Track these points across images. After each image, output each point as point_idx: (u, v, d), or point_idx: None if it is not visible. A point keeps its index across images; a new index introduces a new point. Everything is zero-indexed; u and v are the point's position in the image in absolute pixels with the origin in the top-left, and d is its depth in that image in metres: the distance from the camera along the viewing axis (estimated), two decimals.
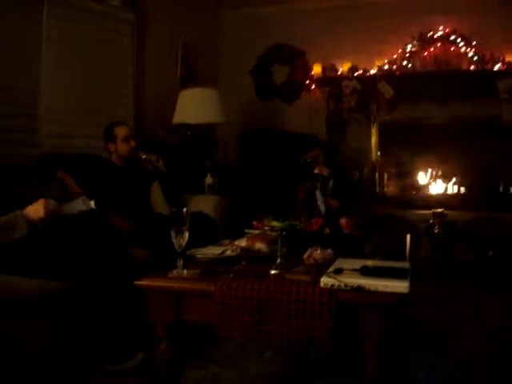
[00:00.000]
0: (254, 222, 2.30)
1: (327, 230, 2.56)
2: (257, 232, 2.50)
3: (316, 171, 2.88)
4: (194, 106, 4.74)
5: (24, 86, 3.87)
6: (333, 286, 1.85)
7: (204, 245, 2.51)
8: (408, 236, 3.08)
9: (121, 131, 3.64)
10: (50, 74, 4.05)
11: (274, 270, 2.09)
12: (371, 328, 1.84)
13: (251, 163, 5.69)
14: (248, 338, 1.98)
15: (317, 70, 5.96)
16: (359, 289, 1.82)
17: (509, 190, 5.36)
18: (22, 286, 2.33)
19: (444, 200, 5.63)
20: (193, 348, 2.77)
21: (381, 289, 1.81)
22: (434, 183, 5.87)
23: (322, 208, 2.69)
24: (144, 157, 3.63)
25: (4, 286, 2.26)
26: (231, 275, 2.03)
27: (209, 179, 4.61)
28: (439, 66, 5.52)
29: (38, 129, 3.97)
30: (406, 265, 2.11)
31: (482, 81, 5.29)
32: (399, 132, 5.80)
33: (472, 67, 5.39)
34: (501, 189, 5.39)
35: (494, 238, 4.91)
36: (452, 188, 5.77)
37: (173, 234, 2.06)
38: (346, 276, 1.89)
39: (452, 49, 5.52)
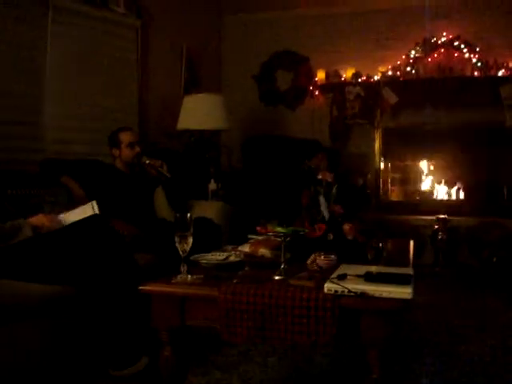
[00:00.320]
0: (258, 228, 2.31)
1: (331, 236, 2.56)
2: (260, 237, 2.50)
3: (319, 177, 2.88)
4: (198, 112, 4.75)
5: (28, 92, 3.89)
6: (336, 291, 1.85)
7: (208, 250, 2.52)
8: (411, 242, 3.09)
9: (125, 137, 3.65)
10: (54, 81, 4.07)
11: (277, 275, 2.09)
12: (375, 334, 1.84)
13: (255, 169, 5.69)
14: (251, 343, 1.99)
15: (320, 75, 5.98)
16: (363, 295, 1.82)
17: None
18: (25, 291, 2.33)
19: (447, 206, 5.63)
20: (196, 353, 2.77)
21: (384, 295, 1.81)
22: (437, 189, 5.87)
23: (326, 214, 2.69)
24: (148, 162, 3.64)
25: (7, 290, 2.26)
26: (235, 281, 2.03)
27: (212, 185, 4.62)
28: (443, 72, 5.52)
29: (42, 135, 3.98)
30: (409, 271, 2.10)
31: (486, 87, 5.30)
32: (403, 138, 5.80)
33: (475, 73, 5.40)
34: (504, 194, 5.39)
35: (497, 243, 4.90)
36: (455, 194, 5.77)
37: (177, 239, 2.07)
38: (350, 282, 1.89)
39: (456, 55, 5.53)
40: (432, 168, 5.92)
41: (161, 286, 2.07)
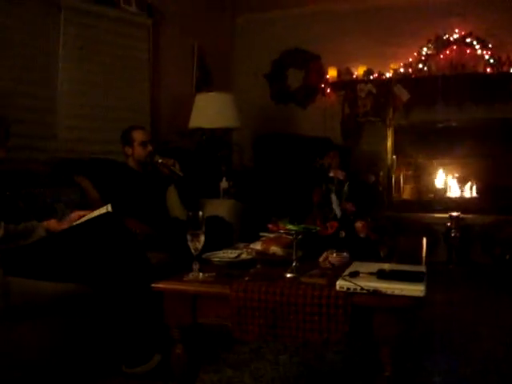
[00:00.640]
0: (270, 226, 2.31)
1: (343, 234, 2.55)
2: (272, 235, 2.50)
3: (331, 174, 2.87)
4: (210, 111, 4.76)
5: (41, 92, 3.91)
6: (348, 289, 1.84)
7: (219, 248, 2.52)
8: (424, 239, 3.07)
9: (138, 135, 3.67)
10: (67, 81, 4.09)
11: (289, 273, 2.09)
12: (387, 332, 1.83)
13: (266, 167, 5.69)
14: (263, 340, 1.99)
15: (332, 73, 5.97)
16: (375, 292, 1.81)
17: None
18: (38, 289, 2.35)
19: (460, 203, 5.60)
20: (208, 351, 2.78)
21: (397, 292, 1.80)
22: (450, 186, 5.84)
23: (338, 211, 2.68)
24: (160, 161, 3.66)
25: (20, 288, 2.28)
26: (246, 278, 2.03)
27: (224, 183, 4.63)
28: (455, 69, 5.49)
29: (55, 134, 4.01)
30: (422, 268, 2.09)
31: (499, 83, 5.26)
32: (415, 135, 5.78)
33: (488, 70, 5.36)
34: None
35: (510, 241, 4.86)
36: (468, 191, 5.74)
37: (189, 237, 2.07)
38: (362, 279, 1.89)
39: (468, 51, 5.49)
40: (444, 165, 5.89)
41: (173, 284, 2.08)
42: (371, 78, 5.75)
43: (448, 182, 5.86)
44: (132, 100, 4.72)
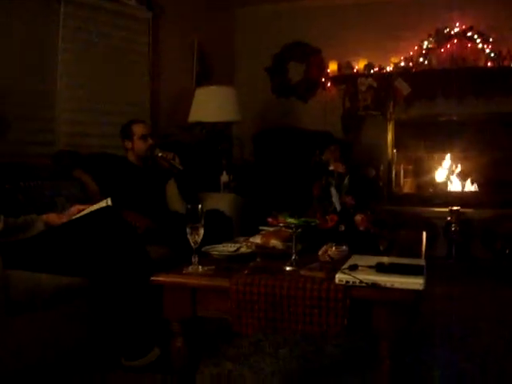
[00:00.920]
0: (269, 219, 2.31)
1: (342, 227, 2.55)
2: (272, 229, 2.50)
3: (331, 168, 2.87)
4: (210, 105, 4.76)
5: (41, 86, 3.91)
6: (348, 282, 1.84)
7: (219, 242, 2.52)
8: (424, 233, 3.07)
9: (138, 129, 3.67)
10: (66, 74, 4.09)
11: (288, 266, 2.09)
12: (386, 325, 1.83)
13: (267, 161, 5.69)
14: (262, 334, 1.99)
15: (332, 67, 5.95)
16: (374, 285, 1.81)
17: None
18: (38, 282, 2.35)
19: (461, 197, 5.59)
20: (208, 344, 2.79)
21: (396, 285, 1.80)
22: (450, 181, 5.83)
23: (338, 205, 2.68)
24: (160, 155, 3.66)
25: (21, 282, 2.29)
26: (246, 272, 2.03)
27: (224, 177, 4.63)
28: (456, 63, 5.47)
29: (55, 128, 4.01)
30: (421, 261, 2.10)
31: (499, 77, 5.25)
32: (415, 129, 5.77)
33: (489, 64, 5.34)
34: None
35: (511, 235, 4.86)
36: (469, 185, 5.73)
37: (188, 230, 2.07)
38: (361, 272, 1.88)
39: (469, 45, 5.47)
40: (445, 160, 5.88)
41: (172, 277, 2.08)
42: (372, 71, 5.73)
43: (448, 176, 5.85)
44: (132, 94, 4.72)
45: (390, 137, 5.85)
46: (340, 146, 5.09)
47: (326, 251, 2.23)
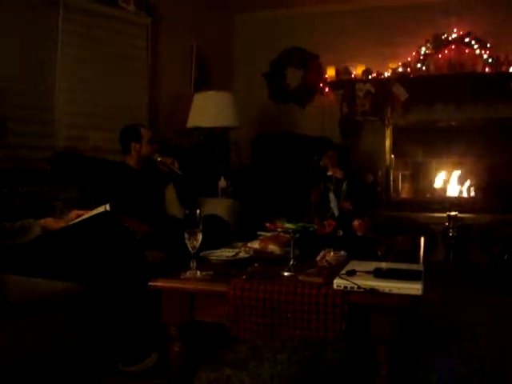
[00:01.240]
0: (267, 224, 2.31)
1: (340, 232, 2.56)
2: (269, 234, 2.50)
3: (329, 173, 2.88)
4: (208, 110, 4.76)
5: (39, 90, 3.91)
6: (346, 287, 1.84)
7: (217, 247, 2.52)
8: (422, 238, 3.08)
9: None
10: (65, 79, 4.09)
11: (286, 271, 2.09)
12: (384, 330, 1.83)
13: (264, 166, 5.69)
14: (261, 339, 1.99)
15: (330, 73, 5.97)
16: (372, 291, 1.81)
17: None
18: (36, 287, 2.35)
19: (459, 203, 5.60)
20: (206, 350, 2.78)
21: (394, 291, 1.80)
22: (448, 186, 5.84)
23: (336, 210, 2.69)
24: (159, 159, 3.67)
25: (18, 286, 2.28)
26: (244, 277, 2.03)
27: (222, 182, 4.63)
28: (453, 69, 5.50)
29: (53, 132, 4.01)
30: (419, 267, 2.10)
31: (497, 83, 5.26)
32: (413, 135, 5.79)
33: (487, 69, 5.36)
34: None
35: (509, 241, 4.87)
36: (467, 191, 5.74)
37: (186, 235, 2.07)
38: (359, 278, 1.89)
39: (466, 51, 5.50)
40: (443, 165, 5.89)
41: (170, 282, 2.08)
42: (370, 77, 5.75)
43: (446, 182, 5.86)
44: (130, 98, 4.72)
45: (387, 142, 5.86)
46: (338, 151, 5.10)
47: (323, 256, 2.23)
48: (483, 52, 5.38)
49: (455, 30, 5.51)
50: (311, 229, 2.24)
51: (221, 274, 2.11)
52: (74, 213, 2.71)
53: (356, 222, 2.62)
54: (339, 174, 3.45)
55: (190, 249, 2.08)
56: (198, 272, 2.08)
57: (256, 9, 6.19)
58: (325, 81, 6.02)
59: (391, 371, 1.83)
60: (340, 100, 5.89)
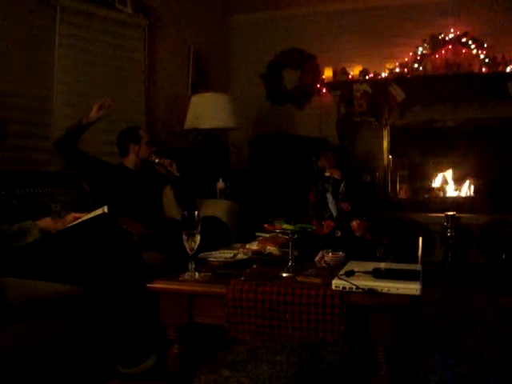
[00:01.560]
0: (265, 225, 2.31)
1: (339, 233, 2.57)
2: (268, 235, 2.50)
3: (327, 174, 2.88)
4: (206, 111, 4.76)
5: (37, 92, 3.90)
6: (344, 288, 1.84)
7: (216, 248, 2.52)
8: (420, 238, 3.08)
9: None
10: (62, 81, 4.08)
11: (285, 272, 2.09)
12: (383, 331, 1.83)
13: (262, 167, 5.69)
14: (260, 340, 1.99)
15: (327, 73, 5.97)
16: (371, 291, 1.81)
17: None
18: (35, 290, 2.34)
19: (457, 203, 5.61)
20: (204, 351, 2.78)
21: (393, 291, 1.81)
22: (446, 186, 5.84)
23: (334, 211, 2.69)
24: (157, 161, 3.67)
25: (18, 289, 2.27)
26: (243, 278, 2.03)
27: (220, 184, 4.63)
28: (450, 69, 5.50)
29: (50, 134, 3.99)
30: (417, 267, 2.10)
31: (494, 83, 5.27)
32: (411, 135, 5.79)
33: (483, 69, 5.36)
34: None
35: (507, 240, 4.87)
36: (465, 191, 5.75)
37: (184, 237, 2.07)
38: (358, 278, 1.89)
39: (463, 51, 5.50)
40: (440, 165, 5.89)
41: (169, 284, 2.08)
42: (367, 77, 5.75)
43: (444, 182, 5.87)
44: (127, 100, 4.71)
45: (385, 143, 5.87)
46: (335, 152, 5.10)
47: (322, 257, 2.23)
48: (480, 52, 5.39)
49: (452, 30, 5.51)
50: (309, 229, 2.24)
51: (219, 276, 2.11)
52: (72, 215, 2.71)
53: (354, 223, 2.63)
54: (337, 175, 3.45)
55: (189, 250, 2.08)
56: (197, 273, 2.08)
57: (253, 10, 6.19)
58: (322, 81, 6.02)
59: (390, 372, 1.83)
60: (337, 101, 5.89)
